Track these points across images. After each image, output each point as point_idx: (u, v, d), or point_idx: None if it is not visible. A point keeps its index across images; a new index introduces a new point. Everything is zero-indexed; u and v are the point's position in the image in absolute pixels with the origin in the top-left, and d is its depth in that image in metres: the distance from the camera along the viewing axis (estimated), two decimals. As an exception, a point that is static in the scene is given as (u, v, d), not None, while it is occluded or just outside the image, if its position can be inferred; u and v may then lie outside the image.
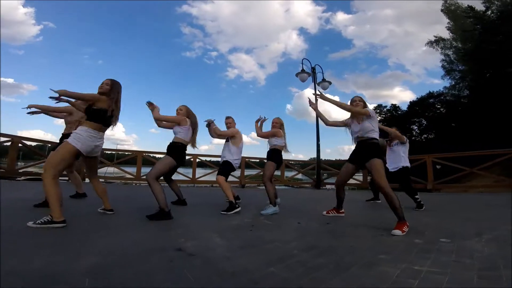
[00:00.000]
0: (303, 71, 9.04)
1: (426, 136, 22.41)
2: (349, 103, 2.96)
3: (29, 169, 7.38)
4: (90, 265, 1.33)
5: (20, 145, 6.50)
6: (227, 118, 4.07)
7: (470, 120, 16.73)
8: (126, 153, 8.58)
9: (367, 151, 2.69)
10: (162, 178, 3.23)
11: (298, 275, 1.35)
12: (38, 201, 2.98)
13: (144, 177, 7.52)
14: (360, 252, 1.76)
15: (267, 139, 3.76)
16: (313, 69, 9.50)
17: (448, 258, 1.60)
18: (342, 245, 1.93)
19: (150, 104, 3.10)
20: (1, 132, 6.37)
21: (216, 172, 3.99)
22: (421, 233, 2.29)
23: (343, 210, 3.20)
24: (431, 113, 22.35)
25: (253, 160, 9.09)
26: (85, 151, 2.37)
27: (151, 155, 8.15)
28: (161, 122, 3.23)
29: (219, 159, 4.22)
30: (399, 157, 4.11)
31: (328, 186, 9.36)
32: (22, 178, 6.72)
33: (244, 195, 4.31)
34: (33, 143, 7.14)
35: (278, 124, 3.75)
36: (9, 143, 6.28)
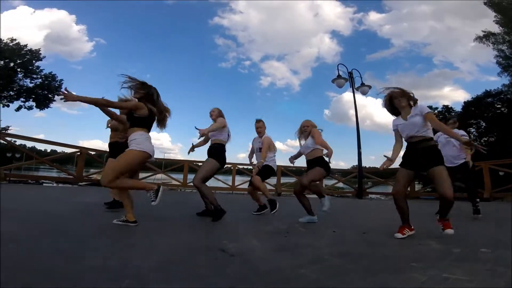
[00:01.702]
0: (339, 76, 8.94)
1: (486, 139, 20.17)
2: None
3: (93, 176, 8.52)
4: (154, 262, 1.62)
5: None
6: (258, 121, 3.84)
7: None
8: (174, 161, 9.44)
9: (425, 157, 2.34)
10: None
11: (327, 277, 1.48)
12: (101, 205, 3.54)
13: (191, 183, 8.26)
14: (392, 259, 1.82)
15: (310, 148, 3.31)
16: (350, 73, 9.33)
17: (483, 266, 1.59)
18: (375, 252, 1.99)
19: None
20: (68, 143, 7.61)
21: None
22: (463, 242, 2.24)
23: (412, 227, 2.52)
24: (491, 113, 20.14)
25: (289, 168, 9.16)
26: (151, 152, 2.49)
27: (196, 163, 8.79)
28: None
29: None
30: (457, 148, 3.50)
31: (371, 196, 9.02)
32: (84, 183, 7.73)
33: (280, 202, 4.44)
34: (93, 152, 8.30)
35: (311, 127, 3.36)
36: (77, 153, 7.41)
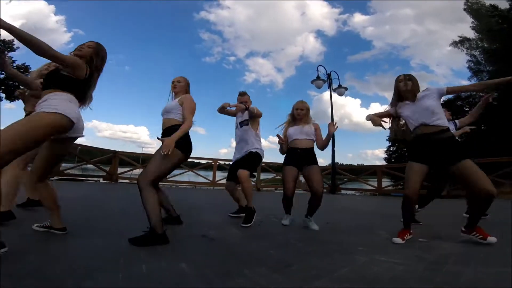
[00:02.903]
0: (318, 78, 9.39)
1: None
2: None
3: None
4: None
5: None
6: (243, 95, 3.04)
7: (501, 122, 16.05)
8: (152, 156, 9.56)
9: (446, 150, 2.06)
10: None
11: (291, 257, 1.80)
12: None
13: (171, 178, 8.31)
14: (346, 244, 2.15)
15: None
16: (329, 75, 9.79)
17: (413, 253, 1.94)
18: (334, 239, 2.34)
19: None
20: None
21: None
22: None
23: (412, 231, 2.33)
24: (460, 116, 21.53)
25: (270, 164, 9.49)
26: (74, 116, 1.71)
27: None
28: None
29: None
30: None
31: (344, 192, 9.60)
32: (55, 178, 7.61)
33: (259, 197, 4.76)
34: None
35: (306, 111, 2.87)
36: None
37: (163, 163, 2.02)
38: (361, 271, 1.56)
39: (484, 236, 2.12)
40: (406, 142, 2.36)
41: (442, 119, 2.14)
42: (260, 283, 1.34)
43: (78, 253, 1.64)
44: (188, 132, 2.22)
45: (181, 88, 2.40)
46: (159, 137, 2.13)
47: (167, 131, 2.16)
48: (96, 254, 1.63)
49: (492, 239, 2.10)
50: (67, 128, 1.70)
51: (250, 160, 2.80)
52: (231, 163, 3.23)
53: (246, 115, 2.96)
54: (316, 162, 2.78)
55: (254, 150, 2.84)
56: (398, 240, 2.19)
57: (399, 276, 1.50)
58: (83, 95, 1.88)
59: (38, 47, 1.58)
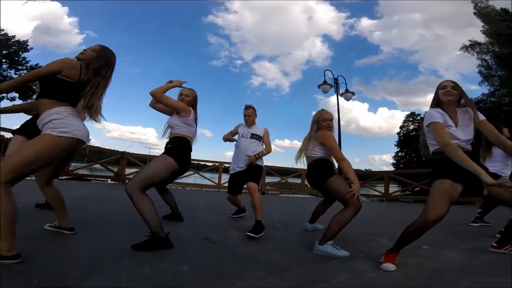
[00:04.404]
0: (325, 82, 9.37)
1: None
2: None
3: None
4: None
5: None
6: (247, 108, 3.14)
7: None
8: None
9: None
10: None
11: (290, 261, 1.85)
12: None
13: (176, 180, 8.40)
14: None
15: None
16: (336, 80, 9.77)
17: (415, 260, 1.94)
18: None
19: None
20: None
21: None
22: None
23: None
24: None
25: (274, 168, 9.48)
26: (84, 136, 1.64)
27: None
28: (157, 102, 2.41)
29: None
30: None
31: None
32: (64, 177, 7.74)
33: (264, 201, 4.77)
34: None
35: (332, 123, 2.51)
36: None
37: (157, 174, 2.02)
38: (358, 278, 1.59)
39: None
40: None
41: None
42: (257, 286, 1.39)
43: (84, 253, 1.71)
44: (190, 144, 2.29)
45: (188, 102, 2.40)
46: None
47: (171, 141, 2.24)
48: (102, 254, 1.70)
49: None
50: (77, 148, 1.70)
51: (258, 173, 2.98)
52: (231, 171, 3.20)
53: (259, 131, 3.14)
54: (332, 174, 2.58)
55: (259, 163, 3.02)
56: (390, 266, 1.75)
57: (396, 283, 1.52)
58: (76, 100, 1.71)
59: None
